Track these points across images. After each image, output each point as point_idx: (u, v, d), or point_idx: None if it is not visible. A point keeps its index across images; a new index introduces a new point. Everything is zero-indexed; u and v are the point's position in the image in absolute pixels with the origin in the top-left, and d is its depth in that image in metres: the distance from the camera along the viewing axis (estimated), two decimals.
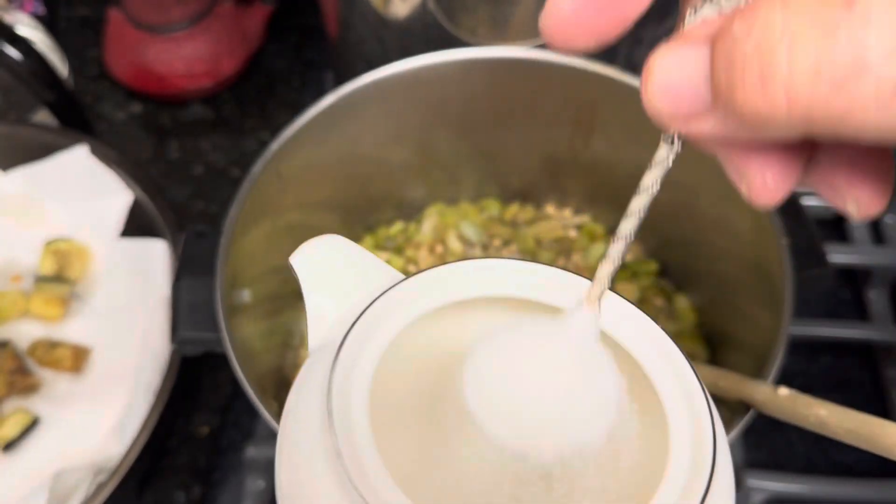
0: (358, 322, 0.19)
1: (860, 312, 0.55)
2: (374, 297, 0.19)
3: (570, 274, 0.20)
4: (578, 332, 0.19)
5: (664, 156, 0.17)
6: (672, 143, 0.17)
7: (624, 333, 0.19)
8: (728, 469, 0.18)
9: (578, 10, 0.17)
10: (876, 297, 0.55)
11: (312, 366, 0.20)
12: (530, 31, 0.47)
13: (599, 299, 0.19)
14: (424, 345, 0.21)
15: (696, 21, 0.16)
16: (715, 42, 0.14)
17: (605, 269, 0.19)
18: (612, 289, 0.20)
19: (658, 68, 0.15)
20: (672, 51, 0.15)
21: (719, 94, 0.14)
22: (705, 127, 0.15)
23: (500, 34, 0.47)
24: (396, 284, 0.20)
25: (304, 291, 0.22)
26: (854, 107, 0.13)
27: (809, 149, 0.16)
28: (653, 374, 0.19)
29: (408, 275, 0.20)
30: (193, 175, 0.64)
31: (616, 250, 0.18)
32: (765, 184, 0.16)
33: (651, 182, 0.17)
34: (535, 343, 0.19)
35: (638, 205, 0.18)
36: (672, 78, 0.15)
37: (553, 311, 0.19)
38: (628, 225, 0.18)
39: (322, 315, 0.21)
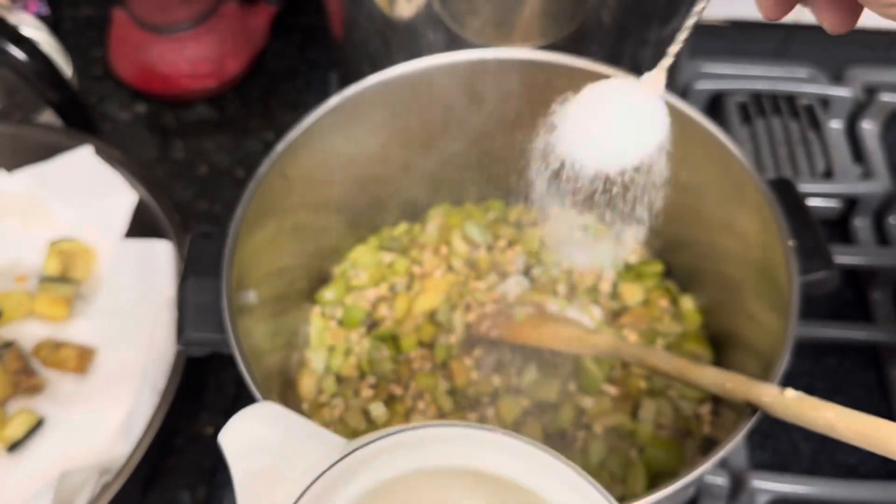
0: None
1: (864, 313, 0.55)
2: (314, 479, 0.18)
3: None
4: (649, 91, 0.29)
5: None
6: None
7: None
8: None
9: None
10: (880, 298, 0.55)
11: None
12: (536, 33, 0.47)
13: (666, 69, 0.29)
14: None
15: None
16: None
17: (673, 49, 0.29)
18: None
19: None
20: None
21: None
22: None
23: (505, 35, 0.47)
24: (336, 464, 0.18)
25: (233, 474, 0.21)
26: None
27: None
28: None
29: (349, 443, 0.19)
30: (197, 175, 0.64)
31: (682, 36, 0.29)
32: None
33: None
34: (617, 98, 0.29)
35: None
36: None
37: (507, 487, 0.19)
38: (691, 21, 0.28)
39: (256, 498, 0.20)
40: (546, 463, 0.19)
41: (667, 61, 0.29)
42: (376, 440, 0.19)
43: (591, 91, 0.31)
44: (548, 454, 0.20)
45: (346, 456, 0.19)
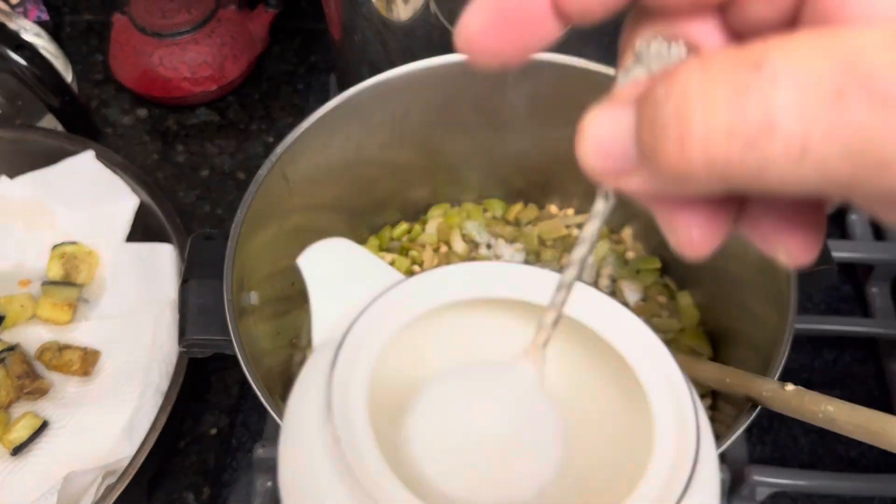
0: (359, 320, 0.19)
1: (862, 307, 0.56)
2: (374, 297, 0.20)
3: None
4: (521, 383, 0.20)
5: (601, 209, 0.18)
6: (607, 197, 0.17)
7: (607, 328, 0.20)
8: (712, 458, 0.19)
9: (485, 32, 0.18)
10: (878, 292, 0.55)
11: (314, 362, 0.21)
12: None
13: (544, 346, 0.19)
14: (418, 345, 0.21)
15: (626, 82, 0.16)
16: (640, 104, 0.15)
17: (549, 317, 0.19)
18: (614, 293, 0.21)
19: (590, 128, 0.16)
20: (603, 112, 0.16)
21: (644, 154, 0.15)
22: (634, 183, 0.16)
23: None
24: (396, 285, 0.20)
25: (310, 291, 0.23)
26: (767, 164, 0.13)
27: (738, 203, 0.17)
28: (637, 367, 0.19)
29: (408, 276, 0.21)
30: (199, 178, 0.64)
31: (558, 298, 0.19)
32: (691, 238, 0.17)
33: (591, 232, 0.18)
34: (479, 395, 0.20)
35: (579, 254, 0.18)
36: (603, 137, 0.16)
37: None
38: (570, 273, 0.19)
39: (326, 314, 0.22)
40: (601, 301, 0.20)
41: (543, 336, 0.19)
42: (436, 269, 0.21)
43: (443, 384, 0.21)
44: (600, 293, 0.21)
45: (410, 279, 0.21)
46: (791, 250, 0.17)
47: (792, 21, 0.15)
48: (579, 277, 0.19)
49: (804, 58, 0.13)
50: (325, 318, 0.22)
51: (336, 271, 0.23)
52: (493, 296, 0.20)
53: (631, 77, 0.16)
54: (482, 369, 0.21)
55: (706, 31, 0.16)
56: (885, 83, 0.12)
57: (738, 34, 0.15)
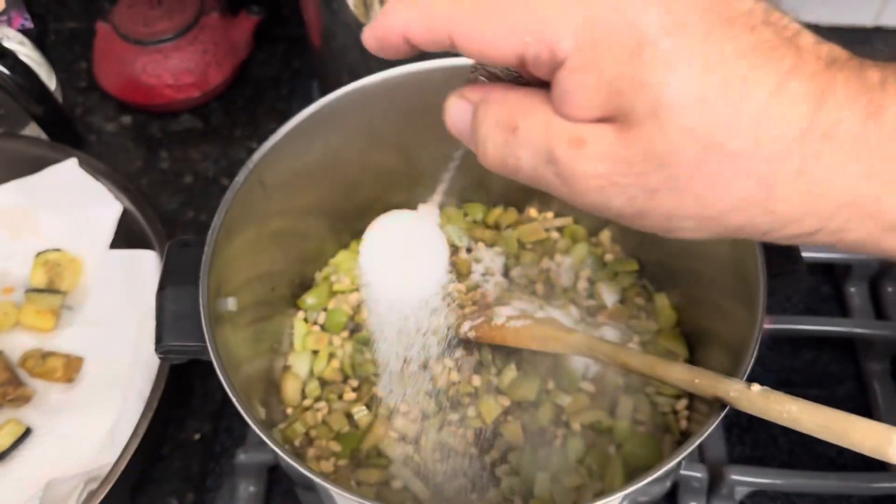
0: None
1: (841, 307, 0.56)
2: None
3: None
4: (423, 221, 0.35)
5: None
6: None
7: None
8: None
9: (374, 45, 0.26)
10: (856, 292, 0.56)
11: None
12: None
13: (437, 204, 0.36)
14: None
15: (472, 77, 0.27)
16: (475, 112, 0.25)
17: (441, 186, 0.35)
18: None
19: (450, 107, 0.26)
20: (458, 101, 0.26)
21: (471, 141, 0.26)
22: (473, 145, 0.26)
23: None
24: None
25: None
26: (517, 174, 0.25)
27: None
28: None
29: None
30: (184, 184, 0.65)
31: (448, 173, 0.33)
32: None
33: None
34: (403, 227, 0.36)
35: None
36: (455, 118, 0.26)
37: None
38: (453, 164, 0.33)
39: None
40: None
41: (437, 197, 0.35)
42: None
43: (379, 223, 0.36)
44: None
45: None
46: None
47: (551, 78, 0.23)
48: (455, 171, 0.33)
49: (535, 136, 0.23)
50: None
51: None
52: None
53: (476, 74, 0.26)
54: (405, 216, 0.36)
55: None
56: (558, 170, 0.24)
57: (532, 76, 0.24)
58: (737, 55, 0.21)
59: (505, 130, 0.24)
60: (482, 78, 0.26)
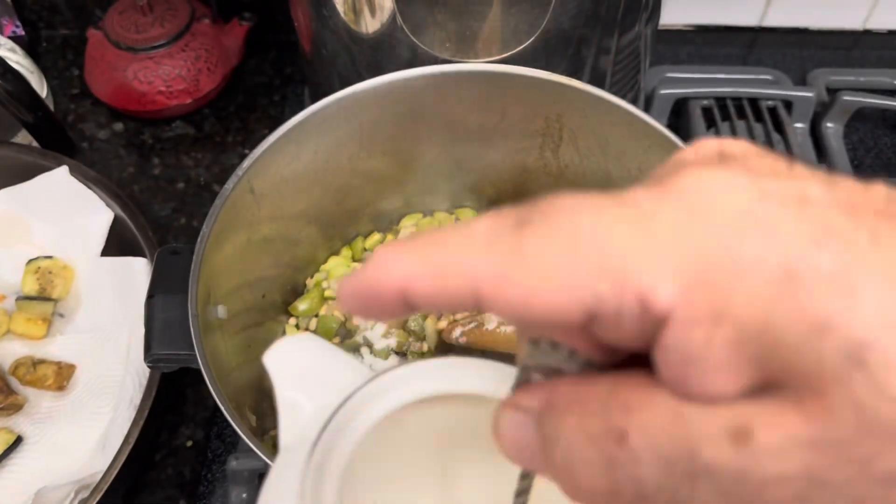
0: (327, 426, 0.19)
1: None
2: (343, 400, 0.20)
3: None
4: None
5: (525, 485, 0.19)
6: (526, 476, 0.18)
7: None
8: None
9: (353, 304, 0.18)
10: None
11: (283, 464, 0.21)
12: (497, 46, 0.47)
13: None
14: (391, 441, 0.22)
15: (522, 376, 0.17)
16: (538, 425, 0.17)
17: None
18: None
19: (502, 426, 0.17)
20: (510, 414, 0.17)
21: (546, 469, 0.17)
22: (545, 471, 0.17)
23: (467, 49, 0.48)
24: (363, 386, 0.20)
25: (276, 389, 0.23)
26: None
27: None
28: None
29: (375, 374, 0.21)
30: (176, 191, 0.65)
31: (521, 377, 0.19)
32: None
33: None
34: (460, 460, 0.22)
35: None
36: (513, 437, 0.17)
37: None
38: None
39: (295, 412, 0.22)
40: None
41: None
42: (402, 367, 0.21)
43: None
44: None
45: (375, 378, 0.21)
46: None
47: (646, 344, 0.15)
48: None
49: (661, 437, 0.14)
50: (293, 417, 0.22)
51: (303, 369, 0.23)
52: (455, 391, 0.21)
53: (527, 373, 0.17)
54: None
55: (580, 339, 0.16)
56: (722, 482, 0.14)
57: (607, 346, 0.16)
58: None
59: (604, 443, 0.15)
60: (537, 376, 0.17)
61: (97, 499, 0.43)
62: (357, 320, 0.51)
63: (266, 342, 0.49)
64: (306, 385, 0.23)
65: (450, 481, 0.23)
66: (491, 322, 0.49)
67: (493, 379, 0.21)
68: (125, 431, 0.46)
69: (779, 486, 0.14)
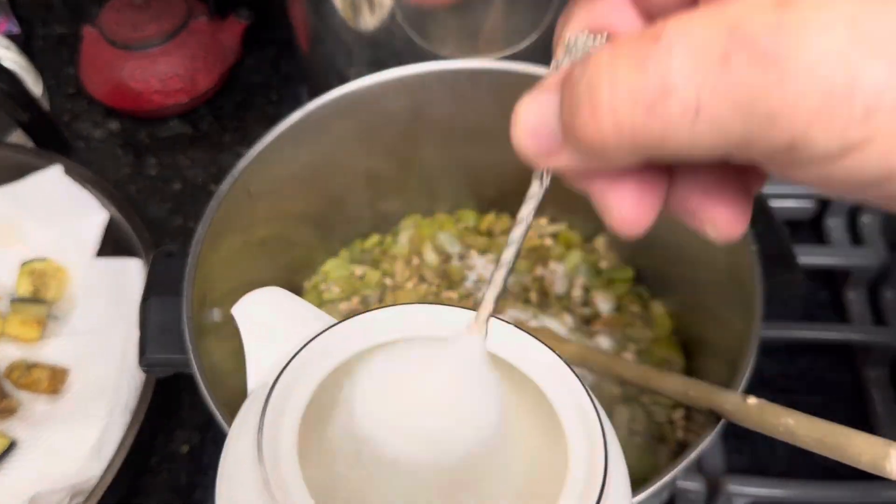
0: (288, 366, 0.20)
1: (839, 313, 0.55)
2: (304, 342, 0.20)
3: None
4: (464, 353, 0.20)
5: (536, 191, 0.19)
6: (541, 179, 0.19)
7: (516, 356, 0.20)
8: (622, 474, 0.20)
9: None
10: (854, 298, 0.55)
11: (248, 406, 0.21)
12: (499, 43, 0.47)
13: (486, 322, 0.20)
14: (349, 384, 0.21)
15: (554, 71, 0.17)
16: (561, 86, 0.16)
17: (490, 294, 0.20)
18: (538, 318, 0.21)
19: (521, 113, 0.17)
20: (532, 98, 0.17)
21: (565, 129, 0.16)
22: (562, 161, 0.17)
23: (468, 46, 0.47)
24: (326, 329, 0.20)
25: (244, 338, 0.24)
26: (667, 127, 0.14)
27: (665, 179, 0.18)
28: (547, 390, 0.20)
29: (340, 320, 0.21)
30: (172, 191, 0.64)
31: (499, 276, 0.20)
32: (623, 216, 0.18)
33: (527, 214, 0.19)
34: (423, 364, 0.20)
35: (517, 234, 0.19)
36: (532, 121, 0.17)
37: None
38: (509, 253, 0.20)
39: (259, 360, 0.23)
40: (519, 337, 0.21)
41: (485, 311, 0.20)
42: (363, 314, 0.21)
43: (389, 358, 0.21)
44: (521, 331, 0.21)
45: (340, 323, 0.20)
46: (717, 224, 0.18)
47: (695, 1, 0.16)
48: (517, 256, 0.20)
49: (695, 28, 0.14)
50: (258, 365, 0.23)
51: (269, 319, 0.24)
52: (417, 334, 0.21)
53: (559, 66, 0.18)
54: (427, 343, 0.20)
55: (626, 19, 0.17)
56: (765, 42, 0.13)
57: (653, 18, 0.17)
58: None
59: (632, 56, 0.14)
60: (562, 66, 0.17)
61: None
62: None
63: None
64: (273, 334, 0.23)
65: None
66: None
67: (458, 322, 0.21)
68: (120, 436, 0.45)
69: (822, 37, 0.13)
